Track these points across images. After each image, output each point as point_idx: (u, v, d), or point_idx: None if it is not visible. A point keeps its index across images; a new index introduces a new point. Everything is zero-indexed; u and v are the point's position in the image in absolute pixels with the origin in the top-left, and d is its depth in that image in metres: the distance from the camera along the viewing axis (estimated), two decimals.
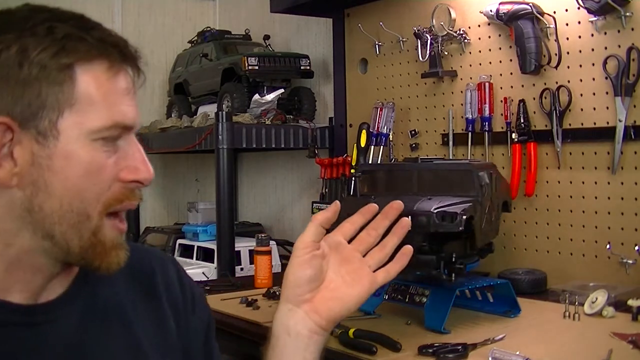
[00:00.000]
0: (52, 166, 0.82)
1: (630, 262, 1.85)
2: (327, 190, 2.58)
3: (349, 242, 1.05)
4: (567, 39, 1.97)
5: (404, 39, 2.44)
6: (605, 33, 1.89)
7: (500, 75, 2.16)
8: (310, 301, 1.01)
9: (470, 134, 2.23)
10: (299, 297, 1.01)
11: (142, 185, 0.88)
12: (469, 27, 2.24)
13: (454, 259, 1.56)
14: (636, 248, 1.83)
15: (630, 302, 1.62)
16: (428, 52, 2.30)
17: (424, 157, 1.82)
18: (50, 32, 0.82)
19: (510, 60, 2.12)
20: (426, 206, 1.53)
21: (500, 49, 2.16)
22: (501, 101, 2.14)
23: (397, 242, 1.05)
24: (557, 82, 2.01)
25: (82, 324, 0.91)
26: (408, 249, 1.04)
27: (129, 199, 0.88)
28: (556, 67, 1.99)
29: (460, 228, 1.50)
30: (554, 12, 1.99)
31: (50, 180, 0.82)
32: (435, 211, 1.51)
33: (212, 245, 2.60)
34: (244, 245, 2.61)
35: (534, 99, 2.07)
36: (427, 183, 1.70)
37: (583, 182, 1.97)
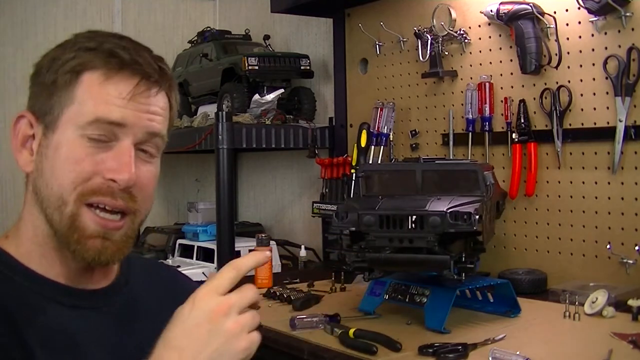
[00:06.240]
0: (47, 154, 0.96)
1: (631, 262, 1.85)
2: (327, 190, 2.58)
3: None
4: (568, 39, 1.97)
5: (405, 39, 2.44)
6: (606, 33, 1.89)
7: (501, 75, 2.16)
8: None
9: (470, 134, 2.23)
10: None
11: (117, 184, 0.94)
12: (470, 27, 2.24)
13: (463, 259, 1.56)
14: (636, 248, 1.83)
15: (630, 302, 1.62)
16: (428, 52, 2.30)
17: (425, 157, 1.82)
18: (73, 45, 0.97)
19: (511, 60, 2.12)
20: (438, 206, 1.51)
21: (500, 49, 2.16)
22: (501, 101, 2.14)
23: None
24: (557, 82, 2.01)
25: (121, 316, 1.02)
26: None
27: (105, 195, 0.95)
28: (556, 67, 1.99)
29: (475, 228, 1.49)
30: (554, 12, 1.99)
31: (44, 166, 0.96)
32: (449, 211, 1.49)
33: (212, 245, 2.60)
34: (244, 245, 2.61)
35: (534, 99, 2.07)
36: (431, 183, 1.69)
37: (583, 182, 1.97)
